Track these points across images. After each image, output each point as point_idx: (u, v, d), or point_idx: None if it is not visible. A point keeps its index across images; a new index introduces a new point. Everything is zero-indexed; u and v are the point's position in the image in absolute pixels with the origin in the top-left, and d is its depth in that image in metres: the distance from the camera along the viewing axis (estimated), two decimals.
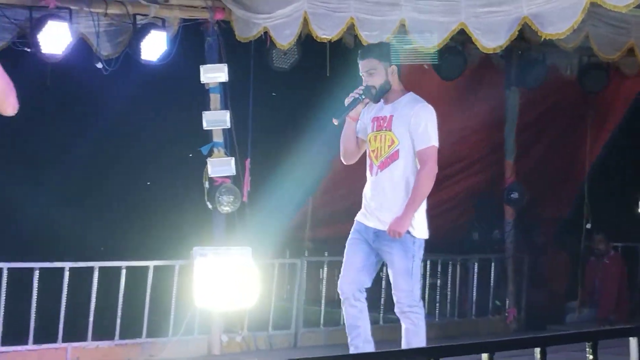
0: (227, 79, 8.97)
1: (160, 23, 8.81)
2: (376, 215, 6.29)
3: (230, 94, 9.07)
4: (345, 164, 6.58)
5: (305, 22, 8.55)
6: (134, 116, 9.84)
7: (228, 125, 8.99)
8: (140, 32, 8.62)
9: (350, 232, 6.43)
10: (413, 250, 6.21)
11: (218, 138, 9.02)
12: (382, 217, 6.24)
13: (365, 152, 6.42)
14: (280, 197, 10.51)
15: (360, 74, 6.34)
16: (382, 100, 6.36)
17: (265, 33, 8.83)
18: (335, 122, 6.28)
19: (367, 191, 6.39)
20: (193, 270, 8.69)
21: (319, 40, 8.66)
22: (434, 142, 6.19)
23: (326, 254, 10.82)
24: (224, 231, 9.17)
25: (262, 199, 9.90)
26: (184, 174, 9.44)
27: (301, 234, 11.70)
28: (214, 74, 8.97)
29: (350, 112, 6.28)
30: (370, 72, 6.28)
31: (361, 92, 6.27)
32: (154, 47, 8.66)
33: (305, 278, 9.94)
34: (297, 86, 10.27)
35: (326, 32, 8.53)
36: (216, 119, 8.98)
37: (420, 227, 6.26)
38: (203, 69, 8.95)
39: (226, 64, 8.99)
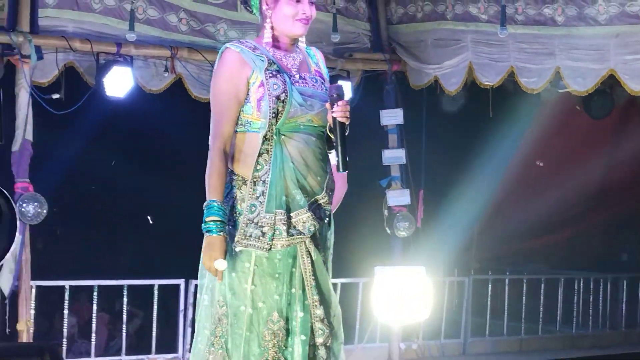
0: (403, 121, 9.03)
1: (345, 74, 8.94)
2: None
3: (406, 134, 9.12)
4: None
5: (470, 70, 8.56)
6: None
7: (404, 161, 9.04)
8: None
9: None
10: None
11: (395, 172, 9.06)
12: None
13: None
14: (449, 222, 10.49)
15: None
16: None
17: (436, 81, 8.87)
18: None
19: None
20: (374, 287, 8.74)
21: (482, 87, 8.65)
22: None
23: (490, 273, 10.73)
24: (401, 253, 9.19)
25: (434, 225, 9.88)
26: (367, 203, 9.49)
27: (468, 254, 11.65)
28: (391, 117, 9.03)
29: None
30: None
31: None
32: None
33: (472, 293, 9.87)
34: (463, 126, 10.25)
35: (489, 79, 8.52)
36: (394, 156, 9.03)
37: None
38: (382, 112, 9.04)
39: (402, 109, 9.06)
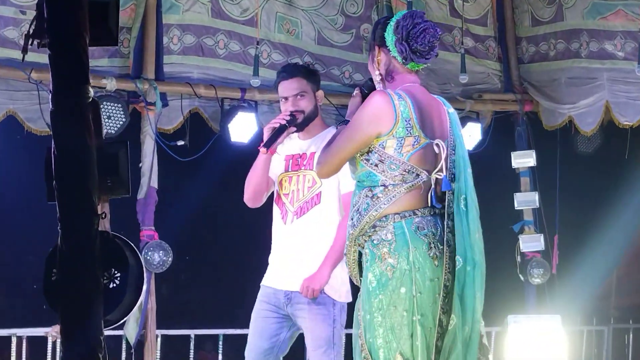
0: (536, 163, 8.81)
1: (475, 116, 8.80)
2: (290, 273, 4.61)
3: (539, 176, 8.90)
4: (250, 206, 4.82)
5: (607, 110, 8.32)
6: None
7: (537, 205, 8.82)
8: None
9: (256, 302, 4.74)
10: (334, 314, 4.59)
11: (528, 217, 8.88)
12: (299, 274, 4.58)
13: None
14: (586, 268, 10.15)
15: (281, 98, 4.67)
16: (293, 135, 4.67)
17: (570, 121, 8.65)
18: (264, 151, 4.56)
19: (278, 244, 4.71)
20: (507, 336, 8.47)
21: (620, 127, 8.39)
22: None
23: (630, 322, 10.35)
24: (535, 300, 8.94)
25: (570, 271, 9.59)
26: (498, 249, 9.23)
27: (607, 302, 11.26)
28: (523, 160, 8.84)
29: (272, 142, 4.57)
30: (300, 94, 4.61)
31: (288, 117, 4.56)
32: (470, 137, 8.59)
33: (612, 343, 9.54)
34: (599, 168, 9.96)
35: (627, 118, 8.28)
36: (526, 200, 8.83)
37: (341, 288, 4.61)
38: (514, 155, 8.86)
39: (534, 150, 8.86)
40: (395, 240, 3.60)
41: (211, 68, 7.82)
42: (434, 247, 3.59)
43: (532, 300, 8.95)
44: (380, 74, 3.75)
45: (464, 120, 8.63)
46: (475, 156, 8.67)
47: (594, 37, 8.41)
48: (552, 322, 8.42)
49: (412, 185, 3.61)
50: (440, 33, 3.73)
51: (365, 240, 3.66)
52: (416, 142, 3.62)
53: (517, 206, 8.87)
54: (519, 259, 8.85)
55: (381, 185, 3.63)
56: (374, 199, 3.63)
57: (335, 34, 8.30)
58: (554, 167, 9.02)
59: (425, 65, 3.75)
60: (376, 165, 3.64)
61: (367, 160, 3.66)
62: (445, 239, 3.60)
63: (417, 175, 3.61)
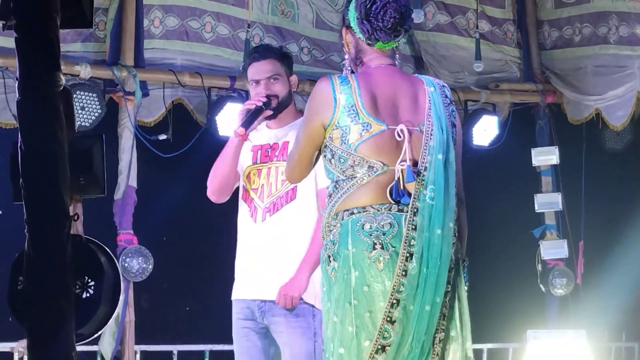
0: (559, 161, 8.84)
1: (491, 108, 8.82)
2: (263, 280, 4.47)
3: (562, 176, 8.96)
4: (215, 201, 4.68)
5: (638, 102, 8.40)
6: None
7: (560, 207, 8.88)
8: (471, 118, 8.60)
9: (232, 320, 4.62)
10: (314, 327, 4.44)
11: (550, 220, 8.94)
12: (272, 280, 4.43)
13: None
14: (615, 279, 10.14)
15: (251, 81, 4.63)
16: (262, 123, 4.60)
17: (597, 114, 8.71)
18: (242, 131, 4.41)
19: (246, 247, 4.56)
20: (527, 353, 8.48)
21: None
22: None
23: None
24: (558, 314, 9.02)
25: (597, 281, 9.59)
26: (515, 256, 9.27)
27: (637, 316, 11.25)
28: (545, 157, 8.89)
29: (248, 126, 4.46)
30: (274, 77, 4.57)
31: (265, 99, 4.49)
32: (486, 131, 8.61)
33: None
34: (630, 166, 9.94)
35: None
36: (548, 202, 8.89)
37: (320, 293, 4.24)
38: (534, 152, 8.89)
39: (557, 147, 8.89)
40: (338, 241, 3.54)
41: (197, 54, 7.83)
42: (381, 247, 3.46)
43: (554, 313, 9.02)
44: (350, 57, 3.73)
45: (478, 113, 8.68)
46: (491, 153, 8.79)
47: (624, 21, 8.45)
48: (577, 337, 8.42)
49: (363, 179, 3.54)
50: (406, 2, 3.64)
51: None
52: (364, 130, 3.54)
53: (537, 209, 8.91)
54: (539, 267, 8.90)
55: (335, 181, 3.60)
56: (330, 197, 3.62)
57: (335, 16, 8.30)
58: (579, 166, 9.05)
59: (397, 44, 3.70)
60: (330, 161, 3.61)
61: (325, 156, 3.63)
62: (404, 237, 3.46)
63: (370, 167, 3.53)
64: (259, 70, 4.59)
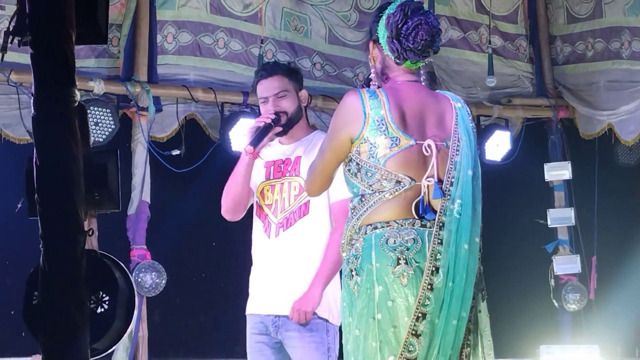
0: (571, 176, 8.82)
1: (503, 123, 8.81)
2: (277, 295, 4.51)
3: (575, 191, 8.92)
4: (229, 219, 4.75)
5: None
6: None
7: (573, 222, 8.84)
8: (484, 133, 8.59)
9: (247, 335, 4.67)
10: (328, 342, 4.48)
11: (563, 236, 8.91)
12: (285, 295, 4.48)
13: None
14: (628, 294, 10.09)
15: (260, 99, 4.70)
16: (274, 140, 4.64)
17: (610, 129, 8.69)
18: (251, 149, 4.50)
19: (260, 262, 4.61)
20: None
21: None
22: None
23: None
24: (571, 329, 8.96)
25: (610, 297, 9.54)
26: (528, 271, 9.23)
27: None
28: (557, 172, 8.86)
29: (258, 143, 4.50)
30: (282, 94, 4.63)
31: (273, 116, 4.54)
32: (498, 147, 8.60)
33: None
34: None
35: None
36: (561, 217, 8.86)
37: (333, 308, 4.48)
38: (547, 167, 8.86)
39: (569, 162, 8.87)
40: (361, 255, 3.55)
41: (210, 69, 7.85)
42: (405, 263, 3.47)
43: (567, 328, 8.97)
44: (376, 71, 3.76)
45: (491, 128, 8.66)
46: (504, 168, 8.78)
47: (636, 36, 8.44)
48: (590, 353, 8.40)
49: (391, 193, 3.55)
50: (437, 23, 3.66)
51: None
52: (394, 145, 3.56)
53: (550, 224, 8.88)
54: (552, 282, 8.86)
55: (360, 195, 3.61)
56: (353, 211, 3.62)
57: (348, 31, 8.32)
58: (591, 181, 9.03)
59: (424, 63, 3.73)
60: (355, 175, 3.62)
61: (349, 170, 3.65)
62: (430, 251, 3.47)
63: (398, 182, 3.55)
64: (267, 87, 4.65)
